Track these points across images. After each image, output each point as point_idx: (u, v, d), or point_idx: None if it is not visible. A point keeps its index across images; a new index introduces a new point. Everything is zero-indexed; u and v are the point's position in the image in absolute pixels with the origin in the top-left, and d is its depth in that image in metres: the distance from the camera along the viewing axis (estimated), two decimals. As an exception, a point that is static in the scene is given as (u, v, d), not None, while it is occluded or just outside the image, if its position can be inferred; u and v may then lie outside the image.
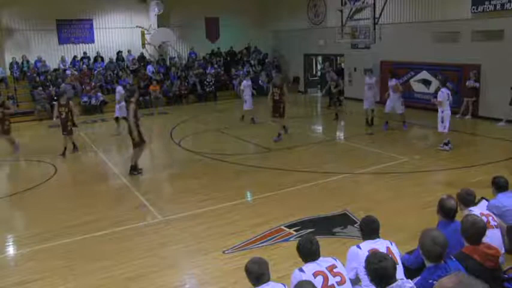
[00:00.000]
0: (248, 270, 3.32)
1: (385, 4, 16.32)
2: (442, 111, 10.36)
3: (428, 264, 3.21)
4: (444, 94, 10.28)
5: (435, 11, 15.33)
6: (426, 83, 15.95)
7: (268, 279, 3.31)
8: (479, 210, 4.40)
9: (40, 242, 6.38)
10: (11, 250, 6.40)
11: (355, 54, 18.84)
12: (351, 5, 18.23)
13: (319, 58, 22.50)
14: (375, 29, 16.30)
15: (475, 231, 3.52)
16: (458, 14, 14.55)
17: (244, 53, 23.40)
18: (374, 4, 16.30)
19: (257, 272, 3.28)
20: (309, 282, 3.04)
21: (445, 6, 14.96)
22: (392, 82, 12.73)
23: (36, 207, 7.96)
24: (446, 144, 10.47)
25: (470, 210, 4.36)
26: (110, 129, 15.07)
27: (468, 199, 4.50)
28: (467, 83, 14.11)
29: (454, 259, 3.27)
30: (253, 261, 3.37)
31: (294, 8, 21.85)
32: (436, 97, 10.71)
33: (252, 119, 14.92)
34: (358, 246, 3.68)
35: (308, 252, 3.53)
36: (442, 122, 10.38)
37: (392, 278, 2.91)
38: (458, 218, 4.47)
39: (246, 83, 15.24)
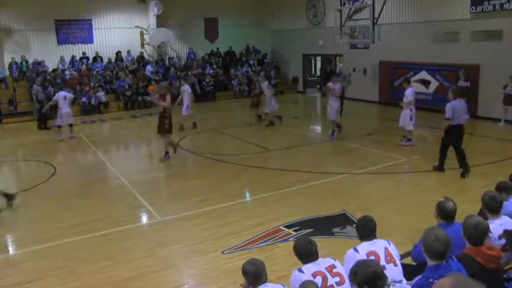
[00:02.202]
0: (246, 272, 3.33)
1: (384, 4, 16.30)
2: (411, 110, 10.79)
3: (430, 263, 3.20)
4: (413, 92, 10.77)
5: (434, 11, 15.34)
6: (425, 83, 15.96)
7: (265, 280, 3.32)
8: (500, 227, 3.97)
9: (39, 242, 6.38)
10: (11, 250, 6.40)
11: (354, 55, 18.86)
12: (350, 5, 18.22)
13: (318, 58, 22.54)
14: (374, 29, 16.30)
15: (478, 232, 3.49)
16: (458, 14, 14.58)
17: (243, 53, 23.41)
18: (373, 4, 16.30)
19: (255, 273, 3.29)
20: (313, 283, 3.03)
21: (444, 6, 14.98)
22: (335, 86, 11.96)
23: (35, 208, 7.95)
24: (409, 140, 11.06)
25: (492, 223, 3.93)
26: (109, 129, 15.09)
27: (493, 205, 4.06)
28: (458, 83, 14.21)
29: (455, 259, 3.27)
30: (250, 262, 3.37)
31: (293, 8, 21.85)
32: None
33: (181, 126, 13.82)
34: (356, 250, 3.65)
35: (308, 253, 3.52)
36: (411, 120, 10.81)
37: (382, 280, 2.87)
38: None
39: (185, 88, 13.99)
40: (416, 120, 11.04)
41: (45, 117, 15.17)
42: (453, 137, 8.54)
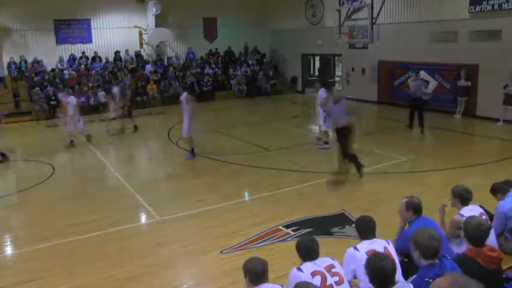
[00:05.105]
0: (247, 268, 3.27)
1: (383, 4, 16.34)
2: (324, 111, 10.56)
3: (424, 263, 3.21)
4: (325, 94, 10.72)
5: (433, 11, 15.35)
6: (424, 82, 15.97)
7: (267, 280, 3.30)
8: (473, 213, 4.23)
9: (39, 241, 6.39)
10: (9, 250, 6.40)
11: (353, 54, 18.86)
12: (349, 4, 18.24)
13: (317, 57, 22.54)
14: (372, 28, 16.32)
15: (480, 233, 3.49)
16: (456, 14, 14.59)
17: (242, 53, 23.40)
18: (372, 4, 16.32)
19: (260, 271, 3.22)
20: (310, 284, 3.03)
21: (443, 6, 14.99)
22: (183, 96, 10.45)
23: (35, 207, 7.96)
24: (326, 142, 10.92)
25: (463, 212, 4.31)
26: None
27: (467, 196, 4.45)
28: (459, 83, 14.25)
29: (449, 258, 3.28)
30: (256, 259, 3.31)
31: (292, 8, 21.85)
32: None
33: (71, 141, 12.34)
34: (356, 248, 3.67)
35: (309, 251, 3.52)
36: (325, 121, 10.58)
37: (391, 279, 2.90)
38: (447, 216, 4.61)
39: (70, 99, 12.34)
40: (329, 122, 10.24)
41: None
42: (414, 105, 12.54)
